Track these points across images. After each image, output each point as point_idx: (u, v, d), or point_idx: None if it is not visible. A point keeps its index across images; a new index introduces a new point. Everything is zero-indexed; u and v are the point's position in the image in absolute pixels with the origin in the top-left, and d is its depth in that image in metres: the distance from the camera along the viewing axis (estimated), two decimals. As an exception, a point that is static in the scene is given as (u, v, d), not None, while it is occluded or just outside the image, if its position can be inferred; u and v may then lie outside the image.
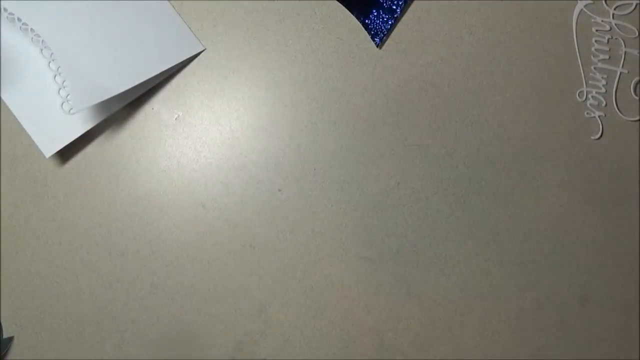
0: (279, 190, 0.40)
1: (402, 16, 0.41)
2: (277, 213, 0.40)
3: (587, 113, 0.39)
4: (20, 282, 0.40)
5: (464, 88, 0.40)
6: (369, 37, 0.41)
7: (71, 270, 0.40)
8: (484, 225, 0.39)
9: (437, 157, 0.40)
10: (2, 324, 0.40)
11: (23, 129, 0.39)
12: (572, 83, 0.40)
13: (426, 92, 0.41)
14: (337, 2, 0.41)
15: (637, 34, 0.40)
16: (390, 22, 0.41)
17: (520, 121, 0.40)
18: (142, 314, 0.40)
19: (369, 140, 0.40)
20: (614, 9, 0.40)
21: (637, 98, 0.40)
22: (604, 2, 0.40)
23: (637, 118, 0.40)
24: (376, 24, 0.41)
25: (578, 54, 0.40)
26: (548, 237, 0.39)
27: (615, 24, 0.40)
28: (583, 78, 0.40)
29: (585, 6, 0.40)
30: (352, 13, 0.41)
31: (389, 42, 0.41)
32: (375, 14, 0.41)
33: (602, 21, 0.40)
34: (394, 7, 0.41)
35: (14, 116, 0.39)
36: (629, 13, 0.40)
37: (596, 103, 0.40)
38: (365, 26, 0.41)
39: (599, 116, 0.39)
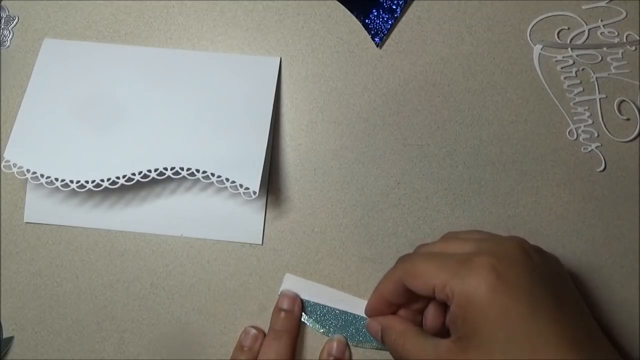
0: (279, 190, 0.40)
1: (402, 16, 0.41)
2: (278, 213, 0.40)
3: (584, 148, 0.39)
4: (20, 282, 0.40)
5: (464, 88, 0.40)
6: (369, 37, 0.41)
7: (71, 270, 0.40)
8: (484, 225, 0.39)
9: (437, 157, 0.40)
10: (2, 324, 0.40)
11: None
12: (558, 125, 0.40)
13: (426, 92, 0.41)
14: (337, 2, 0.41)
15: (600, 58, 0.40)
16: (390, 22, 0.41)
17: (520, 121, 0.40)
18: (142, 314, 0.40)
19: (369, 140, 0.40)
20: (570, 42, 0.40)
21: (624, 118, 0.40)
22: (557, 39, 0.40)
23: (632, 137, 0.39)
24: (376, 24, 0.41)
25: (553, 96, 0.40)
26: (548, 237, 0.39)
27: (577, 55, 0.40)
28: (567, 117, 0.40)
29: (542, 49, 0.40)
30: (352, 13, 0.41)
31: (389, 42, 0.41)
32: (375, 14, 0.41)
33: (563, 57, 0.40)
34: (394, 7, 0.41)
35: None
36: (585, 41, 0.40)
37: (588, 136, 0.40)
38: (365, 26, 0.41)
39: (596, 147, 0.39)
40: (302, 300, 0.39)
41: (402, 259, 0.35)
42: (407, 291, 0.33)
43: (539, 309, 0.29)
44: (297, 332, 0.39)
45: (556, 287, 0.31)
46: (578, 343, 0.28)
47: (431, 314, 0.34)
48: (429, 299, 0.34)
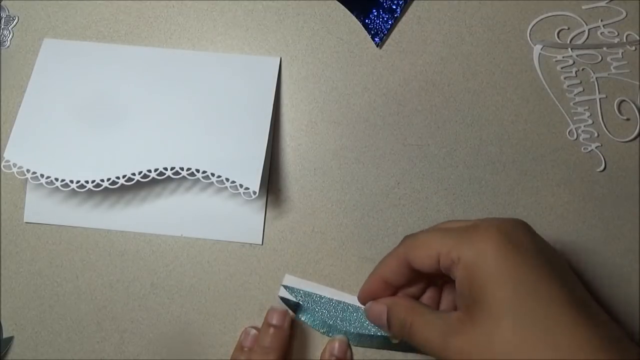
0: (279, 190, 0.40)
1: (402, 16, 0.41)
2: (278, 213, 0.40)
3: (584, 148, 0.39)
4: (20, 282, 0.40)
5: (464, 88, 0.40)
6: (369, 37, 0.41)
7: (71, 270, 0.40)
8: (484, 225, 0.39)
9: (437, 157, 0.40)
10: (2, 324, 0.40)
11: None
12: (558, 125, 0.40)
13: (426, 92, 0.41)
14: (337, 2, 0.41)
15: (600, 58, 0.40)
16: (390, 22, 0.41)
17: (520, 121, 0.40)
18: (142, 314, 0.40)
19: (369, 140, 0.40)
20: (570, 42, 0.40)
21: (624, 118, 0.40)
22: (557, 39, 0.40)
23: (632, 137, 0.39)
24: (376, 24, 0.41)
25: (553, 96, 0.40)
26: (548, 237, 0.39)
27: (577, 55, 0.40)
28: (567, 117, 0.40)
29: (542, 49, 0.40)
30: (352, 13, 0.41)
31: (389, 42, 0.41)
32: (375, 14, 0.41)
33: (563, 57, 0.40)
34: (394, 7, 0.41)
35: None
36: (585, 41, 0.40)
37: (588, 136, 0.39)
38: (365, 26, 0.41)
39: (596, 147, 0.39)
40: (301, 296, 0.39)
41: (407, 236, 0.34)
42: (409, 269, 0.32)
43: (548, 271, 0.28)
44: (286, 349, 0.38)
45: (560, 267, 0.30)
46: (588, 308, 0.28)
47: (427, 299, 0.34)
48: (426, 284, 0.33)
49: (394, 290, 0.34)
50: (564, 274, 0.29)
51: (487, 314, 0.27)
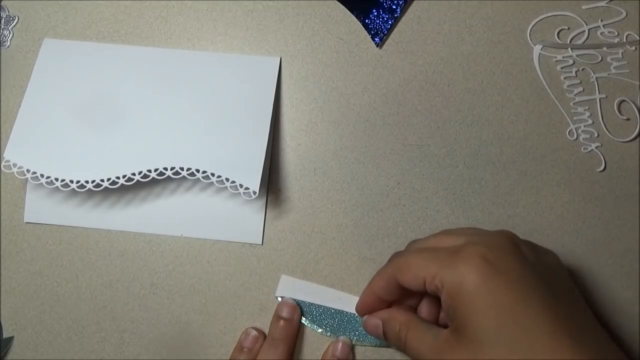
0: (279, 190, 0.40)
1: (402, 16, 0.41)
2: (278, 213, 0.40)
3: (584, 148, 0.39)
4: (20, 282, 0.40)
5: (464, 88, 0.40)
6: (369, 37, 0.41)
7: (71, 270, 0.40)
8: (484, 225, 0.39)
9: (437, 157, 0.40)
10: (2, 324, 0.40)
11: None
12: (558, 125, 0.40)
13: (426, 92, 0.41)
14: (337, 2, 0.41)
15: (600, 58, 0.40)
16: (390, 22, 0.41)
17: (521, 121, 0.40)
18: (142, 314, 0.40)
19: (369, 140, 0.40)
20: (570, 42, 0.40)
21: (624, 118, 0.40)
22: (557, 39, 0.40)
23: (632, 137, 0.39)
24: (376, 24, 0.41)
25: (553, 96, 0.40)
26: (548, 237, 0.39)
27: (577, 55, 0.40)
28: (567, 117, 0.40)
29: (542, 49, 0.40)
30: (352, 13, 0.41)
31: (389, 42, 0.41)
32: (375, 14, 0.41)
33: (563, 57, 0.40)
34: (394, 7, 0.41)
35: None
36: (585, 41, 0.40)
37: (588, 136, 0.39)
38: (365, 26, 0.41)
39: (596, 147, 0.39)
40: (298, 301, 0.39)
41: (395, 255, 0.35)
42: (399, 287, 0.33)
43: (532, 297, 0.28)
44: (294, 341, 0.38)
45: (550, 278, 0.30)
46: (574, 332, 0.28)
47: (425, 310, 0.34)
48: (422, 295, 0.34)
49: (388, 304, 0.35)
50: (552, 292, 0.29)
51: (472, 341, 0.28)
